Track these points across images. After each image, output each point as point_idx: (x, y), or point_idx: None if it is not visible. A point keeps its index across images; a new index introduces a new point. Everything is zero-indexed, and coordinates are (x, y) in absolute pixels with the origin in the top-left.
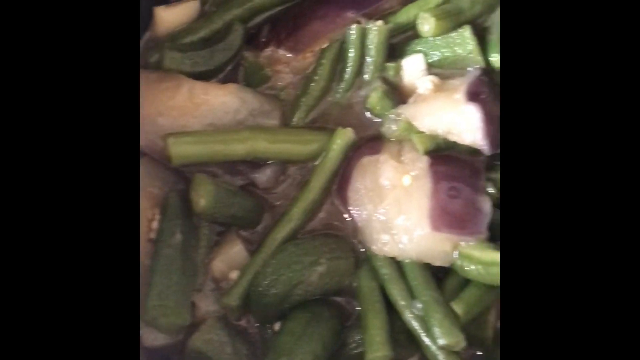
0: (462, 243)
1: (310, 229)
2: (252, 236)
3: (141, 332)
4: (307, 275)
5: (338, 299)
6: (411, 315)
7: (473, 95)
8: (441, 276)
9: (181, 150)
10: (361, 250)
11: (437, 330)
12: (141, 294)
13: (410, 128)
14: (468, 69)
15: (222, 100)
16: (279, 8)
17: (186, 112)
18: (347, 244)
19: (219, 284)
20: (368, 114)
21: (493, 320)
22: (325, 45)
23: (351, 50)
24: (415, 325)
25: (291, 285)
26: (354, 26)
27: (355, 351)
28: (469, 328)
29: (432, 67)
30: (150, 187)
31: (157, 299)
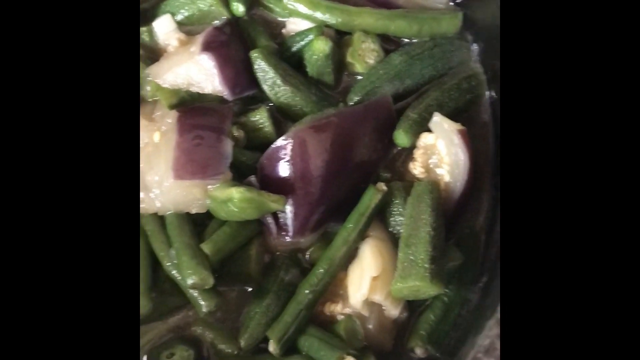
0: (210, 187)
1: None
2: None
3: None
4: None
5: None
6: (169, 263)
7: (207, 45)
8: (208, 222)
9: None
10: None
11: (185, 272)
12: None
13: (157, 87)
14: (215, 22)
15: None
16: None
17: None
18: None
19: None
20: None
21: (255, 254)
22: None
23: None
24: (173, 272)
25: None
26: None
27: None
28: (234, 266)
29: (182, 26)
30: None
31: None
